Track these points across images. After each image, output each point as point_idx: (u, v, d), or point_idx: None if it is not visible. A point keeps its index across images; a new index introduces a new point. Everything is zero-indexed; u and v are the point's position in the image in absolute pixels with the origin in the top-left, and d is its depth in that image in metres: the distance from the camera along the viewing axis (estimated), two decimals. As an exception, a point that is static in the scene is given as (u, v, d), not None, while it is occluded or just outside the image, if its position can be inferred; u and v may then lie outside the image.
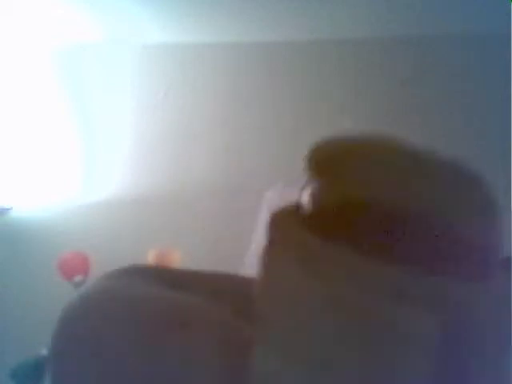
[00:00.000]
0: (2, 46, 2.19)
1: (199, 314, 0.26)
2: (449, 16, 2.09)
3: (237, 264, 1.54)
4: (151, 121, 2.26)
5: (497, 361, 0.23)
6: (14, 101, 2.20)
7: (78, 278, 1.89)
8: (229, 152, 2.18)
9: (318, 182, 0.22)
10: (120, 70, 2.30)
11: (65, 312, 0.27)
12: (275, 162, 2.14)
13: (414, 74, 2.23)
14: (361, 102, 2.20)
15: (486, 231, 0.24)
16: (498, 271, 0.24)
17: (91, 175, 2.21)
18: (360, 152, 0.23)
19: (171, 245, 1.90)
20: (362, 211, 0.20)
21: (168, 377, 0.26)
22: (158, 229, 2.06)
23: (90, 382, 0.24)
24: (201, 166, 2.18)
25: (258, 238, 1.68)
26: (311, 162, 0.24)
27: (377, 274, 0.20)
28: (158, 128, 2.25)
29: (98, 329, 0.26)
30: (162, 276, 0.28)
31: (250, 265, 1.58)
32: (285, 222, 0.24)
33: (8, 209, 2.14)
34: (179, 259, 1.88)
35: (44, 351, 1.75)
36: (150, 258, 1.91)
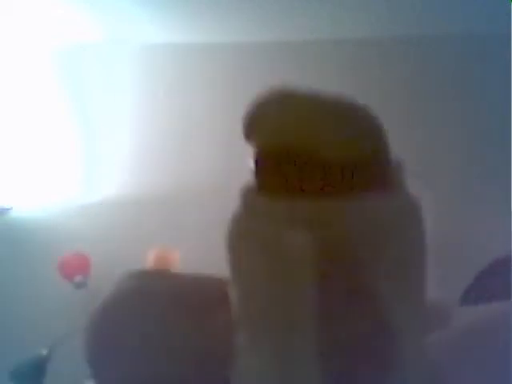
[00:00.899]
0: (2, 46, 2.19)
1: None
2: (449, 16, 2.09)
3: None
4: (151, 121, 2.26)
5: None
6: (14, 101, 2.20)
7: (78, 278, 1.89)
8: (229, 152, 2.18)
9: (250, 143, 0.22)
10: (120, 70, 2.30)
11: (100, 312, 0.27)
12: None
13: (414, 73, 2.23)
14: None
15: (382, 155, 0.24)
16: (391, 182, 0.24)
17: (91, 175, 2.21)
18: (275, 105, 0.22)
19: (171, 245, 1.91)
20: (284, 159, 0.20)
21: (213, 350, 0.26)
22: (158, 229, 2.06)
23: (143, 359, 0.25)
24: (201, 166, 2.18)
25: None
26: (243, 127, 0.24)
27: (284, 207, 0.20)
28: (157, 128, 2.25)
29: (143, 313, 0.26)
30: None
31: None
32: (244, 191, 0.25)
33: (8, 209, 2.14)
34: (179, 259, 1.88)
35: (44, 351, 1.75)
36: (150, 258, 1.91)
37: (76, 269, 1.90)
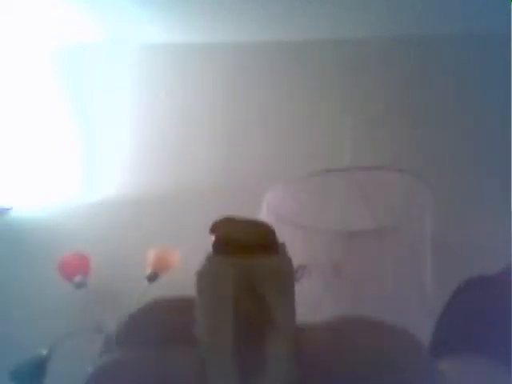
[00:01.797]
0: (2, 46, 2.19)
1: None
2: (449, 16, 2.09)
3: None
4: (151, 121, 2.26)
5: None
6: (13, 101, 2.20)
7: (78, 278, 1.89)
8: (229, 152, 2.18)
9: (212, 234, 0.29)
10: (120, 70, 2.30)
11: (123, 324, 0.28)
12: (275, 162, 2.14)
13: (413, 73, 2.23)
14: (361, 102, 2.20)
15: None
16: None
17: (91, 175, 2.21)
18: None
19: (171, 245, 1.91)
20: None
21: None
22: (158, 229, 2.06)
23: None
24: (201, 166, 2.18)
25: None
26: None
27: None
28: (157, 128, 2.25)
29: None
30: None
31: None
32: None
33: (8, 209, 2.14)
34: (179, 259, 1.88)
35: (44, 351, 1.75)
36: (150, 258, 1.91)
37: (76, 269, 1.90)
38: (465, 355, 0.44)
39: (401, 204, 1.78)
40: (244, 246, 0.25)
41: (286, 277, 0.25)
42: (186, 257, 1.83)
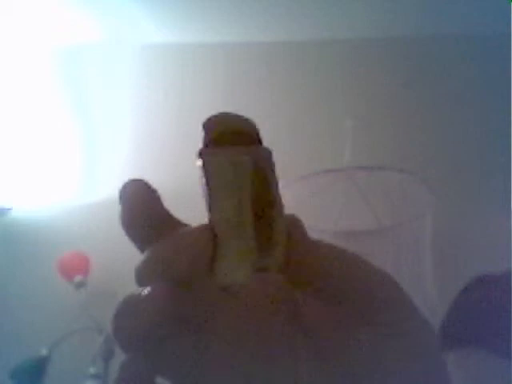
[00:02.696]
0: (1, 46, 2.19)
1: None
2: (449, 16, 2.09)
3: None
4: (151, 121, 2.26)
5: None
6: (13, 101, 2.20)
7: (77, 278, 1.89)
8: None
9: None
10: (120, 70, 2.30)
11: None
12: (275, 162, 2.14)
13: (413, 73, 2.23)
14: (361, 102, 2.20)
15: None
16: None
17: (91, 175, 2.21)
18: None
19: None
20: None
21: None
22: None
23: None
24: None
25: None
26: None
27: None
28: (158, 128, 2.25)
29: None
30: None
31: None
32: None
33: (8, 209, 2.14)
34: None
35: (44, 351, 1.75)
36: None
37: (76, 269, 1.90)
38: (472, 349, 0.45)
39: (401, 204, 1.78)
40: (243, 136, 0.26)
41: (273, 163, 0.27)
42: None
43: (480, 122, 2.14)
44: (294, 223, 0.27)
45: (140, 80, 2.29)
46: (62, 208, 2.15)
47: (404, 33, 2.20)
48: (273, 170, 0.27)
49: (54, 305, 1.98)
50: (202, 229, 0.26)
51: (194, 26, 2.19)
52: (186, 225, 0.28)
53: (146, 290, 0.26)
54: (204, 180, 0.26)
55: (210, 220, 0.26)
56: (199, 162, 0.27)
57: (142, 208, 0.27)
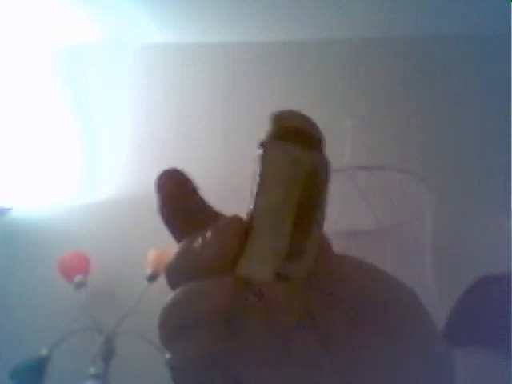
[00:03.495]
0: (2, 46, 2.19)
1: None
2: (449, 16, 2.09)
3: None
4: (151, 121, 2.26)
5: None
6: (13, 101, 2.20)
7: (77, 278, 1.89)
8: (229, 152, 2.18)
9: None
10: (120, 70, 2.30)
11: None
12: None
13: (413, 73, 2.23)
14: (361, 102, 2.20)
15: None
16: None
17: (91, 175, 2.21)
18: None
19: (171, 245, 1.90)
20: None
21: None
22: (158, 229, 2.06)
23: None
24: (200, 166, 2.17)
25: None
26: None
27: None
28: (157, 128, 2.25)
29: None
30: None
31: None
32: None
33: (8, 209, 2.14)
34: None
35: (44, 351, 1.75)
36: (150, 258, 1.91)
37: (76, 269, 1.90)
38: (475, 349, 0.45)
39: (401, 204, 1.78)
40: (308, 138, 0.27)
41: (329, 174, 0.27)
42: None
43: (480, 121, 2.14)
44: (325, 239, 0.28)
45: (140, 80, 2.29)
46: (62, 208, 2.15)
47: (404, 33, 2.20)
48: (325, 182, 0.27)
49: (54, 305, 1.98)
50: (234, 224, 0.26)
51: (194, 26, 2.19)
52: (221, 215, 0.28)
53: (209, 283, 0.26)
54: (259, 169, 0.26)
55: (251, 211, 0.26)
56: (260, 151, 0.26)
57: (181, 199, 0.27)
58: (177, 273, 0.26)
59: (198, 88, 2.27)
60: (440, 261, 1.79)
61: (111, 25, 2.18)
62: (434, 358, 0.27)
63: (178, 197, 0.27)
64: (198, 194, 0.28)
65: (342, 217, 1.79)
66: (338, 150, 2.01)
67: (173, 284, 0.27)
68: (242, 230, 0.25)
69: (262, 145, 0.26)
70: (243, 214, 0.27)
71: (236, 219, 0.26)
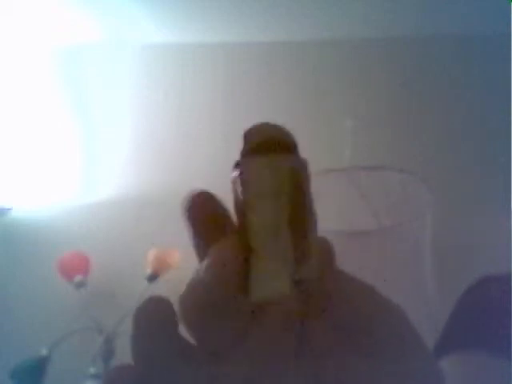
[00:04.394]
0: (2, 46, 2.19)
1: None
2: (449, 16, 2.09)
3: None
4: (151, 121, 2.26)
5: None
6: (13, 101, 2.20)
7: (77, 278, 1.89)
8: (228, 152, 2.17)
9: None
10: (120, 69, 2.30)
11: None
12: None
13: (413, 73, 2.23)
14: (361, 102, 2.20)
15: None
16: None
17: (91, 175, 2.21)
18: None
19: (171, 245, 1.90)
20: None
21: None
22: (158, 229, 2.06)
23: None
24: (200, 167, 2.18)
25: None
26: None
27: None
28: (157, 128, 2.25)
29: None
30: None
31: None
32: None
33: (8, 209, 2.14)
34: (179, 259, 1.88)
35: (44, 351, 1.75)
36: (150, 258, 1.91)
37: (76, 269, 1.90)
38: (476, 350, 0.45)
39: (401, 204, 1.78)
40: (284, 145, 0.26)
41: (309, 174, 0.27)
42: (186, 257, 1.83)
43: (480, 122, 2.14)
44: (325, 245, 0.28)
45: (140, 80, 2.29)
46: (62, 208, 2.15)
47: (404, 33, 2.20)
48: (308, 181, 0.27)
49: (54, 305, 1.98)
50: (230, 245, 0.26)
51: (194, 26, 2.19)
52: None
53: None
54: (241, 189, 0.26)
55: (242, 231, 0.26)
56: (236, 173, 0.26)
57: (215, 227, 0.28)
58: (191, 310, 0.27)
59: (198, 88, 2.27)
60: (440, 261, 1.79)
61: (111, 25, 2.18)
62: (425, 379, 0.27)
63: (210, 226, 0.27)
64: (230, 219, 0.28)
65: (341, 217, 1.79)
66: (338, 150, 2.01)
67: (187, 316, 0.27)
68: (242, 252, 0.25)
69: (238, 165, 0.27)
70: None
71: (232, 242, 0.26)
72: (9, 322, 1.98)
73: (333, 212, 1.83)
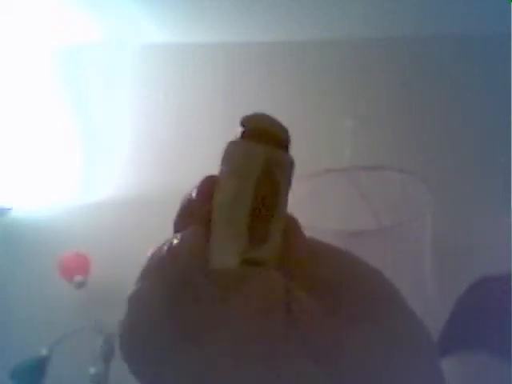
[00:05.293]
0: (2, 46, 2.19)
1: None
2: (449, 16, 2.09)
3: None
4: (151, 121, 2.26)
5: None
6: (13, 101, 2.20)
7: (77, 278, 1.89)
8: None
9: None
10: (120, 70, 2.30)
11: None
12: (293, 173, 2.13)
13: (413, 73, 2.23)
14: (361, 102, 2.20)
15: None
16: None
17: (91, 175, 2.21)
18: None
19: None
20: None
21: None
22: (158, 229, 2.06)
23: None
24: (201, 166, 2.17)
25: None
26: None
27: None
28: (157, 128, 2.25)
29: None
30: None
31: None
32: None
33: (8, 209, 2.14)
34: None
35: (44, 351, 1.75)
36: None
37: (76, 269, 1.90)
38: (476, 350, 0.45)
39: (401, 204, 1.78)
40: (272, 138, 0.28)
41: (292, 172, 0.29)
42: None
43: (480, 121, 2.14)
44: (291, 221, 0.28)
45: (140, 80, 2.29)
46: (62, 208, 2.15)
47: (404, 33, 2.20)
48: (289, 178, 0.28)
49: (54, 305, 1.98)
50: (194, 225, 0.27)
51: (194, 26, 2.19)
52: None
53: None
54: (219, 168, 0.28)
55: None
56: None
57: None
58: (149, 276, 0.29)
59: (198, 88, 2.27)
60: (440, 261, 1.79)
61: (111, 25, 2.18)
62: (416, 349, 0.27)
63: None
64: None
65: (341, 217, 1.79)
66: (338, 150, 2.01)
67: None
68: (204, 231, 0.27)
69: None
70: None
71: (199, 222, 0.27)
72: (9, 322, 1.98)
73: (333, 212, 1.83)
